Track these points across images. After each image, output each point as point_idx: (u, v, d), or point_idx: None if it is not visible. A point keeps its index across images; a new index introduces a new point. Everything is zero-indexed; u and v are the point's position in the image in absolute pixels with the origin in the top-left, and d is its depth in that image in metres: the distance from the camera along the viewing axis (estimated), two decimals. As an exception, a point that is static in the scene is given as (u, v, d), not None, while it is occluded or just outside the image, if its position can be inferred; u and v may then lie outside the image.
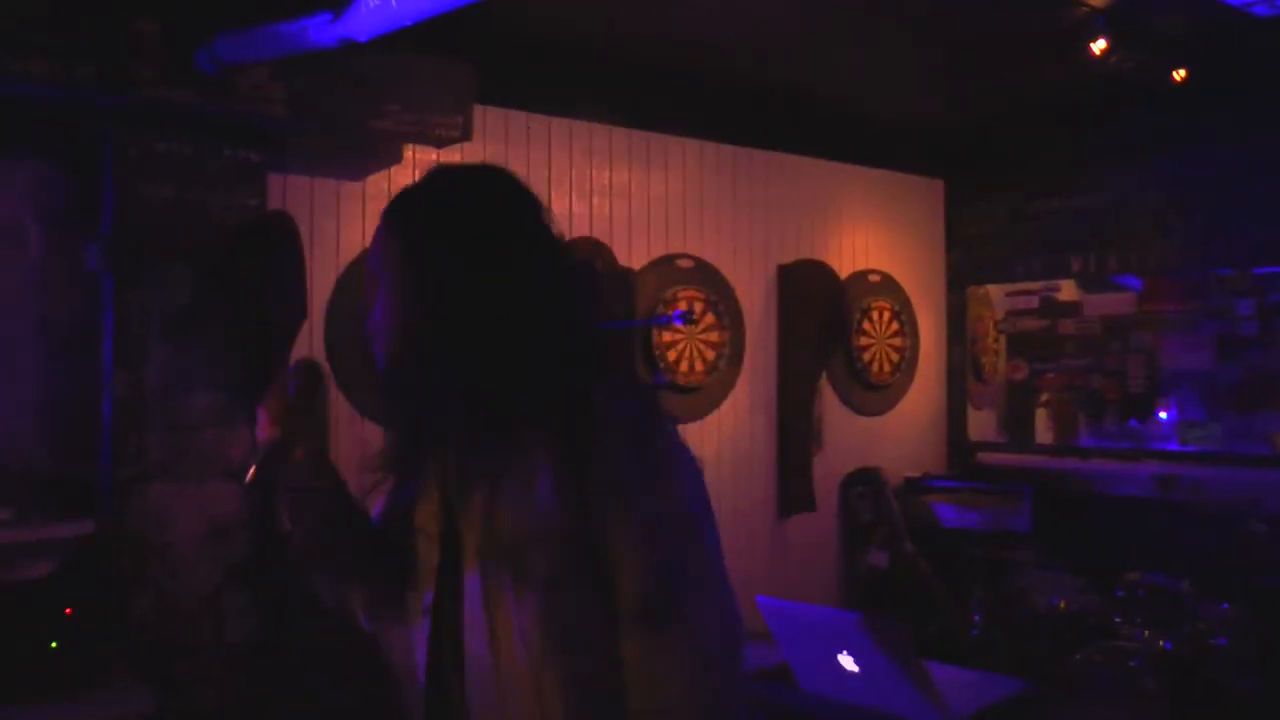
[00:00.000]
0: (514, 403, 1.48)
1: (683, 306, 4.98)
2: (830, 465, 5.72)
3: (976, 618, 4.87)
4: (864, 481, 5.79)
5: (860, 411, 5.92)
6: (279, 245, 3.58)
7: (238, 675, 3.48)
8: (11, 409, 3.37)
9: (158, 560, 3.38)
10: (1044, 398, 6.38)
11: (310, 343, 3.97)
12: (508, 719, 1.47)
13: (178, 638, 3.39)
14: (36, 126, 3.37)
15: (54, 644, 3.04)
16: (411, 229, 1.57)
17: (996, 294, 6.49)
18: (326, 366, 4.02)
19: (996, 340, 6.52)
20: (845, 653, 2.47)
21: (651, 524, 1.43)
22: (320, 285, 4.00)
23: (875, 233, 6.03)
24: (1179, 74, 4.67)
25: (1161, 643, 4.10)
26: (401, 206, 1.60)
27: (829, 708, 2.61)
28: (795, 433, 5.49)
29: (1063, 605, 4.71)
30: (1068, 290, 6.32)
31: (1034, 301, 6.38)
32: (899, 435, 6.11)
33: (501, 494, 1.47)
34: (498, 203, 1.58)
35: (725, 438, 5.26)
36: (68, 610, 3.09)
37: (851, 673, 2.49)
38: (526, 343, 1.49)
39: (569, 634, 1.45)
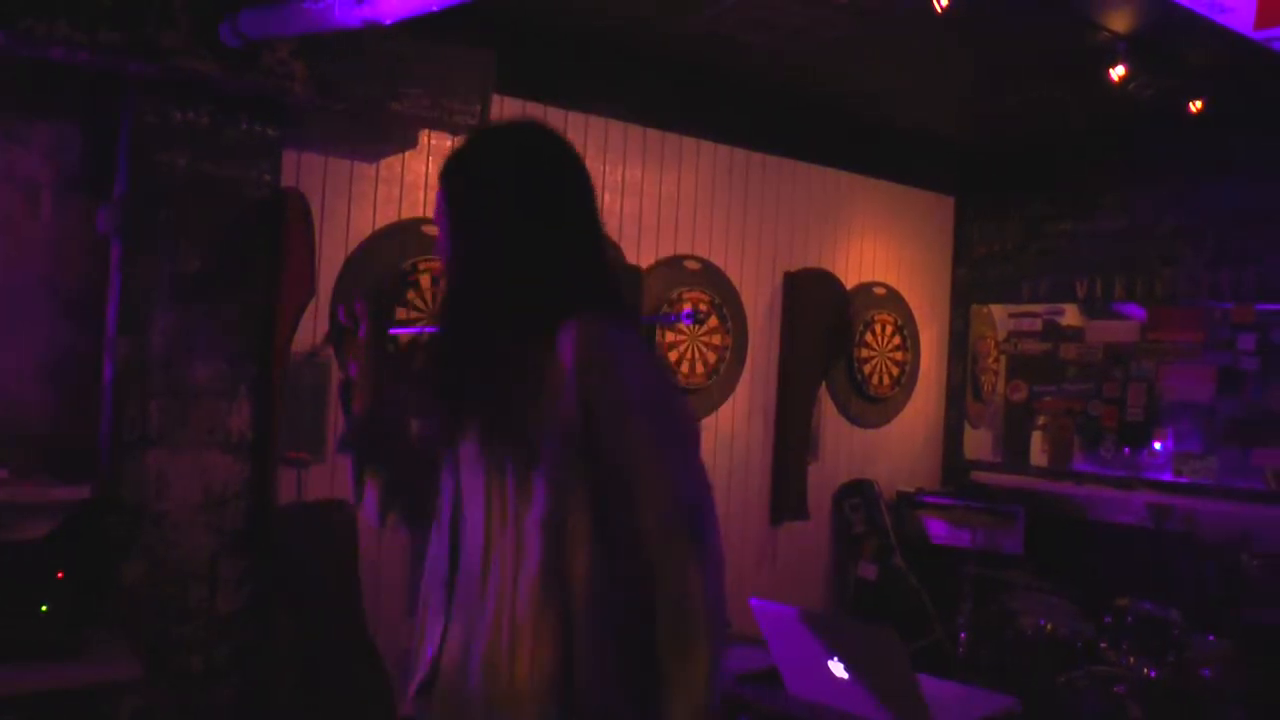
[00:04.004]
0: (537, 321, 1.67)
1: (688, 308, 4.99)
2: (825, 475, 5.73)
3: (963, 635, 4.87)
4: (857, 493, 5.80)
5: (858, 423, 5.93)
6: (290, 222, 3.58)
7: (227, 644, 3.48)
8: (15, 368, 3.38)
9: (153, 527, 3.39)
10: (1041, 420, 6.38)
11: (316, 321, 3.97)
12: (498, 582, 1.67)
13: (169, 604, 3.40)
14: (56, 88, 3.37)
15: (44, 606, 3.03)
16: (455, 180, 1.79)
17: (1000, 314, 6.49)
18: (331, 349, 4.04)
19: (997, 360, 6.52)
20: (836, 659, 2.47)
21: (632, 405, 1.63)
22: (329, 264, 4.00)
23: (883, 245, 6.04)
24: (1196, 105, 4.68)
25: (1147, 671, 4.10)
26: (450, 161, 1.81)
27: (816, 713, 2.61)
28: (792, 440, 5.50)
29: (1050, 627, 4.71)
30: (1070, 315, 6.32)
31: (1037, 324, 6.38)
32: (895, 449, 6.12)
33: (523, 395, 1.65)
34: (530, 153, 1.77)
35: (722, 441, 5.26)
36: (59, 574, 3.08)
37: (840, 679, 2.50)
38: (550, 270, 1.70)
39: (554, 521, 1.63)
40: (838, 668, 2.49)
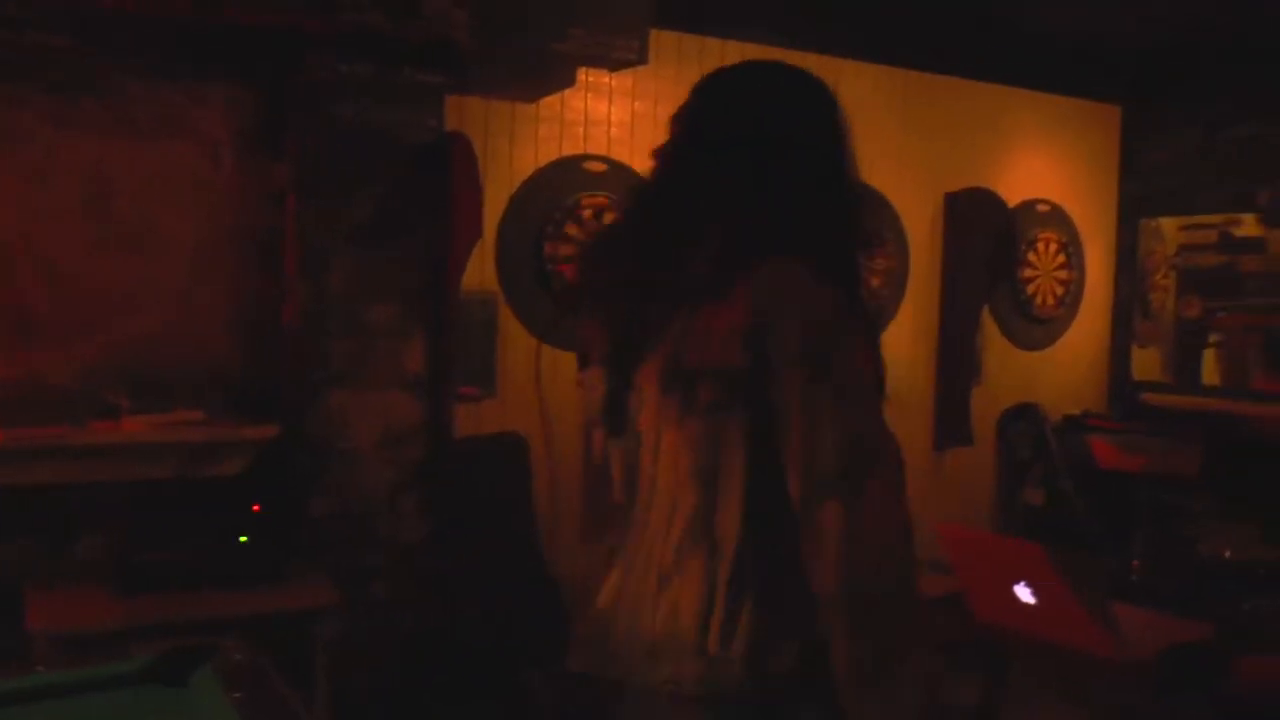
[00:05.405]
0: (735, 259, 1.61)
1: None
2: (989, 399, 5.62)
3: (1136, 563, 4.75)
4: (1023, 417, 5.67)
5: (1022, 345, 5.79)
6: (457, 165, 3.65)
7: (410, 573, 3.63)
8: (206, 316, 3.55)
9: (337, 463, 3.53)
10: (1214, 338, 6.10)
11: (483, 261, 4.06)
12: (656, 526, 1.65)
13: (355, 536, 3.55)
14: (230, 48, 3.49)
15: (243, 538, 3.23)
16: (684, 110, 1.73)
17: (1170, 227, 6.21)
18: (497, 284, 4.14)
19: (1166, 275, 6.25)
20: (1024, 584, 2.45)
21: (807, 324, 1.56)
22: (493, 205, 4.08)
23: (1046, 161, 5.83)
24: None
25: (1341, 598, 3.95)
26: (710, 82, 1.76)
27: (1004, 638, 2.60)
28: (955, 364, 5.41)
29: (1230, 554, 4.57)
30: (1248, 225, 6.00)
31: (1212, 236, 6.08)
32: (1060, 371, 5.96)
33: (694, 332, 1.60)
34: (783, 95, 1.74)
35: (884, 366, 5.19)
36: (255, 507, 3.27)
37: (1029, 604, 2.48)
38: (762, 208, 1.64)
39: (709, 469, 1.59)
40: (1025, 592, 2.47)
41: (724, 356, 1.55)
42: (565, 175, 4.27)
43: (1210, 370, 6.11)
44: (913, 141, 5.27)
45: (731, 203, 1.65)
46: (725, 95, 1.74)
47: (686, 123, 1.73)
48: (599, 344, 1.78)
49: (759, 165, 1.65)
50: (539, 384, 1.95)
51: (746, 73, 1.77)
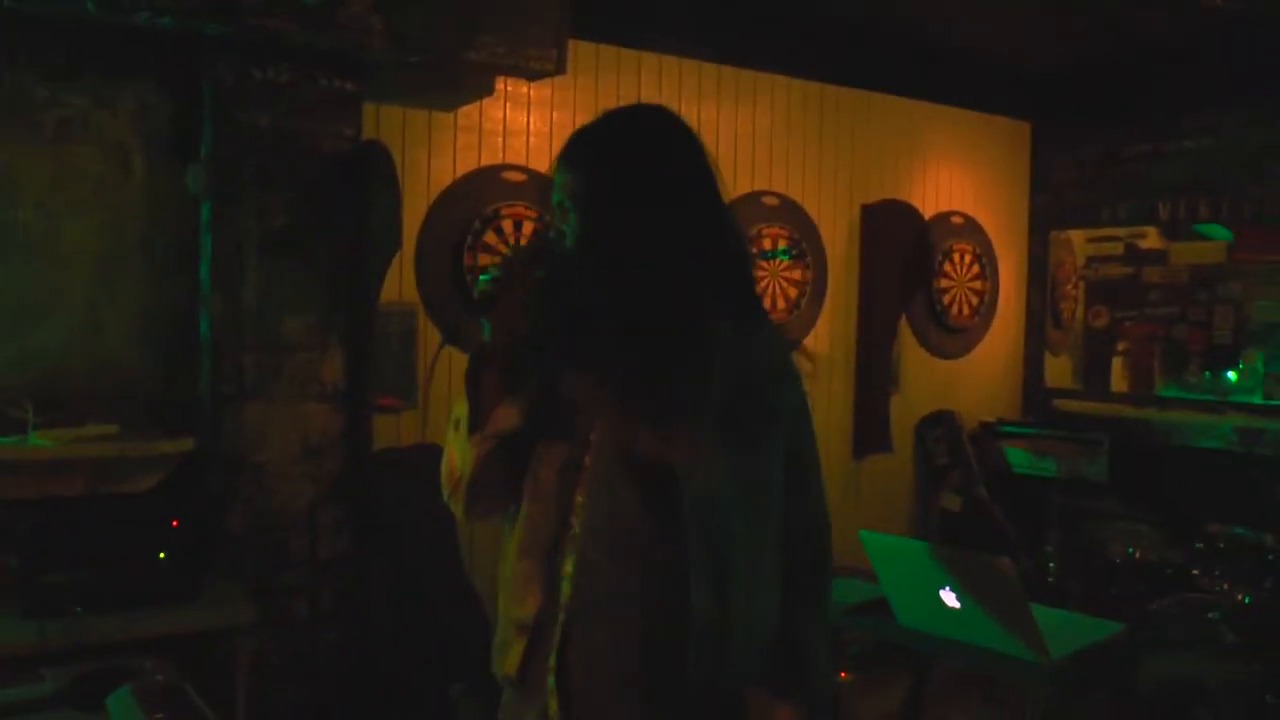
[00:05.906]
0: (669, 321, 1.66)
1: (768, 244, 4.98)
2: (907, 407, 5.72)
3: (1050, 564, 4.86)
4: (939, 424, 5.78)
5: (938, 354, 5.90)
6: (375, 174, 3.61)
7: (330, 589, 3.58)
8: (118, 328, 3.46)
9: (253, 477, 3.46)
10: (1121, 346, 6.29)
11: (401, 271, 4.02)
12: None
13: (273, 552, 3.48)
14: (141, 53, 3.42)
15: (160, 554, 3.14)
16: (588, 167, 1.70)
17: (1079, 239, 6.39)
18: (416, 295, 4.10)
19: (1076, 286, 6.43)
20: (947, 589, 2.49)
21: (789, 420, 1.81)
22: (412, 215, 4.04)
23: (960, 174, 5.96)
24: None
25: (1241, 596, 4.07)
26: (578, 145, 1.73)
27: (927, 643, 2.63)
28: (873, 373, 5.48)
29: (1139, 555, 4.69)
30: (1151, 238, 6.19)
31: (1118, 248, 6.27)
32: (975, 379, 6.08)
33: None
34: (662, 143, 1.72)
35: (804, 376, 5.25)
36: (174, 522, 3.19)
37: (951, 609, 2.52)
38: (683, 269, 1.67)
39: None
40: (949, 597, 2.51)
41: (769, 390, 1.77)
42: (484, 185, 4.25)
43: (1118, 377, 6.28)
44: (830, 154, 5.35)
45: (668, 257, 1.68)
46: (616, 149, 1.72)
47: (591, 189, 1.69)
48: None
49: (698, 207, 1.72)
50: (430, 379, 1.89)
51: (624, 121, 1.75)
